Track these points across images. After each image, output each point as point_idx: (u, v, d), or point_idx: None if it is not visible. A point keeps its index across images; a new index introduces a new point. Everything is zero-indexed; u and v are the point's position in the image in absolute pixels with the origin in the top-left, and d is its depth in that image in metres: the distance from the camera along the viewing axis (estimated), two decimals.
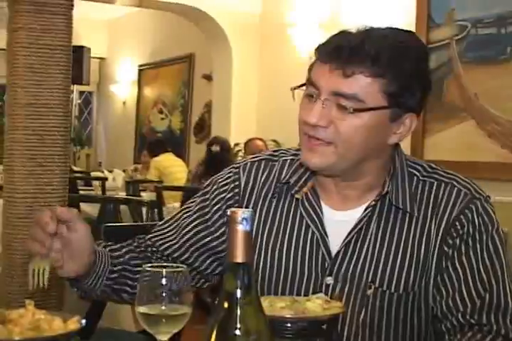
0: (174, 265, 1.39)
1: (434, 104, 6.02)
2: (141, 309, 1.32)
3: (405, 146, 6.53)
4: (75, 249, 1.53)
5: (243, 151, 7.60)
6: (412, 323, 1.65)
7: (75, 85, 12.66)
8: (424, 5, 6.18)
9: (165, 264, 1.44)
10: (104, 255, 1.66)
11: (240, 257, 1.14)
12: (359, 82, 1.56)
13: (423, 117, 6.14)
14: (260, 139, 7.44)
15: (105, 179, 8.66)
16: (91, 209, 6.03)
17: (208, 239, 1.79)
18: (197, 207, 1.82)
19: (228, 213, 1.12)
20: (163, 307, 1.32)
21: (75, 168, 11.14)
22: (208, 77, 9.62)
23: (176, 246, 1.80)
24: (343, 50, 1.56)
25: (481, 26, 5.78)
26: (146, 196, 7.13)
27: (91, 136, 13.69)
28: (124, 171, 9.67)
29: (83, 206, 6.09)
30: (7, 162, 2.35)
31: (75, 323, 1.24)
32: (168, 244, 1.81)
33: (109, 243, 1.77)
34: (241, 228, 1.14)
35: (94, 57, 12.58)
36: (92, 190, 8.65)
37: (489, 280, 1.58)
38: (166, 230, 1.83)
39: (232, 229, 1.14)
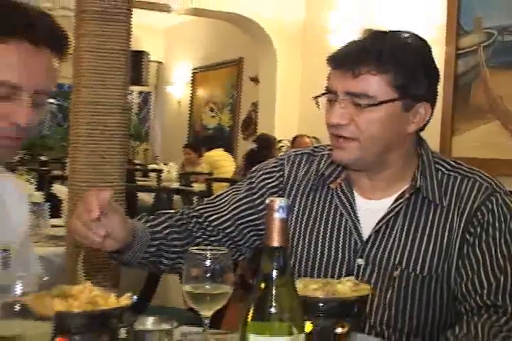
0: (217, 248, 1.40)
1: (461, 106, 5.99)
2: (187, 288, 1.34)
3: (435, 144, 6.53)
4: (112, 230, 1.52)
5: (290, 147, 7.57)
6: (434, 304, 1.65)
7: (135, 86, 12.83)
8: (454, 13, 6.14)
9: (209, 247, 1.44)
10: (142, 231, 1.67)
11: (276, 241, 1.14)
12: (368, 80, 1.58)
13: (451, 118, 6.11)
14: (308, 136, 7.43)
15: (160, 171, 8.73)
16: (147, 197, 6.08)
17: (253, 216, 1.81)
18: (245, 188, 1.85)
19: (267, 202, 1.13)
20: (207, 287, 1.33)
21: (135, 161, 11.27)
22: (255, 79, 9.63)
23: (224, 218, 1.81)
24: (349, 55, 1.61)
25: (507, 33, 5.73)
26: (197, 187, 7.16)
27: (149, 132, 13.78)
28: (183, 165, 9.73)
29: (140, 195, 6.14)
30: (72, 154, 2.37)
31: (126, 299, 1.25)
32: (216, 216, 1.82)
33: (151, 218, 1.77)
34: (278, 215, 1.14)
35: (152, 61, 12.69)
36: (149, 180, 8.72)
37: (505, 265, 1.59)
38: (215, 204, 1.85)
39: (269, 216, 1.14)
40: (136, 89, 13.35)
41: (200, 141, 10.26)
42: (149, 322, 1.45)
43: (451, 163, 1.74)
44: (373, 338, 1.53)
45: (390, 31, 1.70)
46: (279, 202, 1.14)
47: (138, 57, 12.23)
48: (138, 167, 9.90)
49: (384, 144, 1.64)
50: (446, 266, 1.64)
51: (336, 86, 1.62)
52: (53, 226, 3.44)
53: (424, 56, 1.67)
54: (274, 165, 1.86)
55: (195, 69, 12.14)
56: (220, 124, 11.32)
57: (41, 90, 1.48)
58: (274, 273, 1.14)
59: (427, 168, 1.70)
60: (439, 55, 6.25)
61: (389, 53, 1.59)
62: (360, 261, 1.68)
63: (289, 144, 7.75)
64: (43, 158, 9.91)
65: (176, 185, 7.69)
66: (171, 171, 9.22)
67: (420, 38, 1.69)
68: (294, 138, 7.53)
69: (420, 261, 1.64)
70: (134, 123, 13.60)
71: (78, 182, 2.30)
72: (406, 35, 1.68)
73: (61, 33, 1.49)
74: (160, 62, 13.25)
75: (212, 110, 11.61)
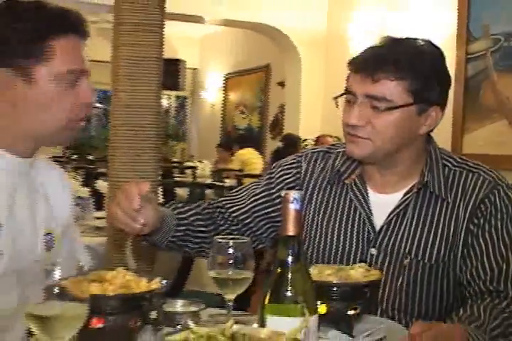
0: (239, 237, 1.40)
1: (471, 106, 5.95)
2: (212, 273, 1.35)
3: (447, 142, 6.48)
4: (147, 218, 1.53)
5: (314, 145, 7.56)
6: (441, 289, 1.64)
7: (173, 91, 12.88)
8: (464, 22, 6.09)
9: (231, 236, 1.45)
10: (171, 217, 1.68)
11: (291, 231, 1.15)
12: (386, 85, 1.57)
13: (462, 117, 6.06)
14: (330, 136, 7.39)
15: (195, 168, 8.77)
16: (183, 192, 6.11)
17: (270, 209, 1.81)
18: (264, 183, 1.84)
19: (282, 194, 1.13)
20: (230, 272, 1.34)
21: (173, 159, 11.32)
22: (282, 84, 9.60)
23: (243, 209, 1.82)
24: (369, 61, 1.60)
25: None
26: (229, 182, 7.17)
27: (185, 133, 13.82)
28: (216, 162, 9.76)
29: (177, 190, 6.17)
30: (111, 153, 2.39)
31: (157, 283, 1.26)
32: (236, 207, 1.82)
33: (179, 205, 1.79)
34: (292, 206, 1.15)
35: (188, 68, 12.70)
36: (185, 177, 8.75)
37: (507, 253, 1.58)
38: (237, 196, 1.85)
39: (284, 207, 1.15)
40: (173, 93, 13.40)
41: (232, 140, 10.28)
42: (178, 305, 1.47)
43: (457, 159, 1.73)
44: (385, 320, 1.52)
45: (407, 38, 1.68)
46: (293, 194, 1.15)
47: (175, 65, 12.26)
48: (175, 165, 9.94)
49: (396, 144, 1.63)
50: (452, 254, 1.63)
51: (356, 89, 1.61)
52: (97, 218, 3.47)
53: (438, 63, 1.65)
54: (292, 162, 1.85)
55: (226, 75, 12.14)
56: (250, 125, 11.32)
57: (88, 71, 1.54)
58: (289, 259, 1.15)
59: (434, 164, 1.69)
60: (450, 60, 6.16)
61: (406, 61, 1.58)
62: (373, 251, 1.68)
63: (312, 143, 7.71)
64: (90, 157, 10.00)
65: (209, 180, 7.71)
66: (205, 168, 9.26)
67: (434, 45, 1.67)
68: (317, 138, 7.51)
69: (428, 251, 1.63)
70: (172, 125, 13.66)
71: (116, 178, 2.33)
72: (422, 42, 1.66)
73: (86, 24, 1.56)
74: (195, 69, 13.27)
75: (242, 112, 11.61)
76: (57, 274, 1.02)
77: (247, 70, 11.25)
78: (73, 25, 1.51)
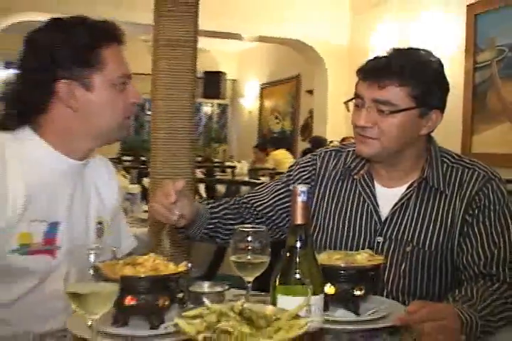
0: (258, 227, 1.41)
1: (479, 110, 5.89)
2: (233, 258, 1.35)
3: (457, 142, 6.38)
4: (183, 211, 1.54)
5: None
6: (440, 273, 1.63)
7: (215, 99, 12.94)
8: (471, 35, 6.07)
9: (251, 225, 1.45)
10: (204, 211, 1.69)
11: (299, 220, 1.16)
12: (391, 91, 1.56)
13: (471, 120, 6.01)
14: (353, 137, 7.31)
15: (234, 167, 8.79)
16: (223, 188, 6.13)
17: (289, 203, 1.79)
18: (284, 180, 1.85)
19: (291, 188, 1.13)
20: (249, 257, 1.34)
21: (215, 160, 11.36)
22: (310, 92, 9.57)
23: (266, 204, 1.82)
24: (376, 70, 1.59)
25: None
26: (264, 180, 7.17)
27: (226, 136, 13.87)
28: (253, 162, 9.76)
29: (218, 186, 6.20)
30: (152, 153, 2.41)
31: (183, 267, 1.27)
32: (260, 202, 1.82)
33: (210, 201, 1.80)
34: (300, 199, 1.15)
35: (228, 79, 12.75)
36: (226, 175, 8.77)
37: (499, 241, 1.56)
38: (260, 193, 1.85)
39: (293, 200, 1.15)
40: (216, 102, 13.46)
41: (267, 142, 10.28)
42: (205, 286, 1.48)
43: (455, 156, 1.71)
44: (388, 300, 1.52)
45: (410, 49, 1.67)
46: (300, 188, 1.15)
47: (217, 77, 12.33)
48: (217, 164, 9.97)
49: (400, 143, 1.62)
50: (449, 242, 1.61)
51: (364, 94, 1.60)
52: (144, 211, 3.51)
53: (438, 72, 1.63)
54: (308, 160, 1.85)
55: (262, 84, 12.15)
56: (283, 129, 11.31)
57: (131, 74, 1.57)
58: (298, 245, 1.15)
59: (434, 161, 1.67)
60: (460, 69, 6.12)
61: (409, 69, 1.56)
62: (379, 239, 1.67)
63: (338, 144, 7.69)
64: (143, 158, 10.08)
65: (246, 178, 7.72)
66: (243, 167, 9.26)
67: (434, 56, 1.66)
68: (342, 139, 7.46)
69: (428, 239, 1.62)
70: (215, 129, 13.71)
71: (156, 175, 2.35)
72: (424, 53, 1.65)
73: (122, 32, 1.57)
74: (234, 80, 13.31)
75: (276, 117, 11.60)
76: (92, 257, 1.04)
77: (280, 80, 11.25)
78: (115, 35, 1.52)
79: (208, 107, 13.76)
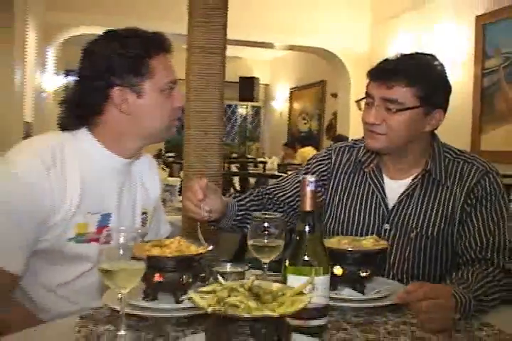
0: (273, 213, 1.40)
1: (488, 111, 5.80)
2: (251, 242, 1.35)
3: (467, 141, 6.28)
4: (213, 206, 1.55)
5: None
6: (441, 258, 1.61)
7: (249, 102, 12.95)
8: (480, 44, 5.98)
9: (269, 212, 1.44)
10: (232, 205, 1.69)
11: (307, 207, 1.15)
12: (398, 91, 1.54)
13: (479, 120, 5.92)
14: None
15: (265, 163, 8.78)
16: (254, 181, 6.14)
17: None
18: (304, 172, 1.84)
19: (300, 178, 1.13)
20: (265, 241, 1.34)
21: (249, 156, 11.37)
22: (335, 95, 9.52)
23: (289, 194, 1.81)
24: (385, 71, 1.57)
25: None
26: None
27: (259, 135, 13.88)
28: (282, 158, 9.75)
29: (250, 179, 6.21)
30: (185, 149, 2.42)
31: (204, 249, 1.27)
32: (283, 193, 1.81)
33: (237, 195, 1.79)
34: (308, 188, 1.14)
35: (261, 84, 12.75)
36: (258, 170, 8.78)
37: (494, 228, 1.53)
38: (282, 184, 1.84)
39: (303, 189, 1.15)
40: (250, 104, 13.47)
41: (295, 140, 10.29)
42: (228, 266, 1.47)
43: (456, 151, 1.68)
44: (392, 281, 1.50)
45: (416, 53, 1.64)
46: (309, 178, 1.14)
47: (251, 82, 12.34)
48: (251, 160, 9.99)
49: (406, 139, 1.60)
50: (450, 229, 1.59)
51: (373, 93, 1.58)
52: (180, 201, 3.52)
53: (442, 74, 1.61)
54: (324, 154, 1.85)
55: (291, 88, 12.12)
56: (310, 129, 11.27)
57: (177, 80, 1.55)
58: (307, 230, 1.14)
59: (436, 155, 1.65)
60: (469, 74, 6.03)
61: (415, 71, 1.55)
62: (387, 226, 1.65)
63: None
64: None
65: (276, 173, 7.71)
66: (273, 162, 9.26)
67: (438, 60, 1.63)
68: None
69: (431, 226, 1.60)
70: (249, 129, 13.73)
71: (189, 169, 2.35)
72: (428, 57, 1.62)
73: (170, 41, 1.56)
74: (267, 85, 13.31)
75: (304, 119, 11.56)
76: (122, 239, 1.04)
77: (307, 85, 11.22)
78: (164, 45, 1.51)
79: (243, 109, 13.78)
